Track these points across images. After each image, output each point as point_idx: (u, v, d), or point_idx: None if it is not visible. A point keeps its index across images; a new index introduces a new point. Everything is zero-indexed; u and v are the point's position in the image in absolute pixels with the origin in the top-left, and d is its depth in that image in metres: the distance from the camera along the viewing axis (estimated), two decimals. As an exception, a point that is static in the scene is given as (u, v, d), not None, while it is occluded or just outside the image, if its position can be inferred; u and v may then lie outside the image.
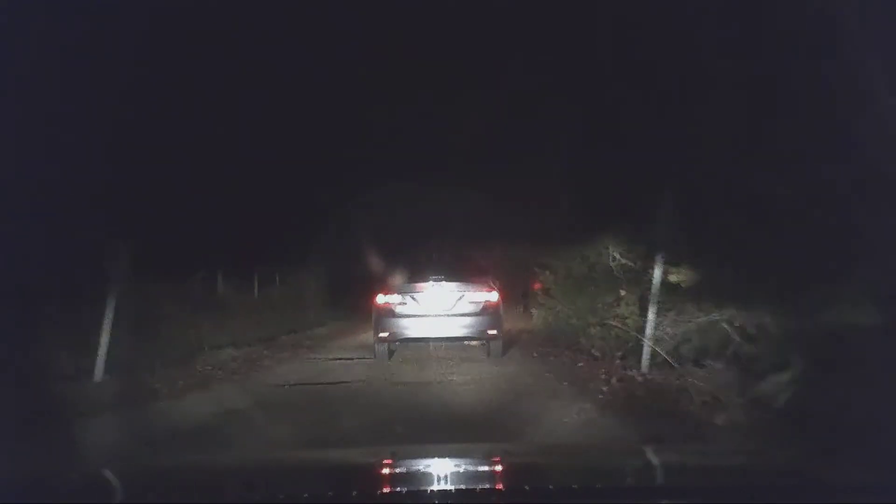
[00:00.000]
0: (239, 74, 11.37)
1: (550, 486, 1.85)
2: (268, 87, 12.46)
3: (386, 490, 1.96)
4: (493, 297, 8.73)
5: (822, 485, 1.88)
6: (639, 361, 7.01)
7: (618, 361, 7.51)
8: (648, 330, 6.84)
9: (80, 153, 7.82)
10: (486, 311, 8.62)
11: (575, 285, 9.68)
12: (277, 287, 15.71)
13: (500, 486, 1.96)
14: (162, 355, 7.76)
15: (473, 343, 9.27)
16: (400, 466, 2.23)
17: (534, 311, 13.08)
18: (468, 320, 8.55)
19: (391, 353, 8.99)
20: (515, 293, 15.78)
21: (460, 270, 8.98)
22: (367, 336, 11.38)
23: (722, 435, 4.60)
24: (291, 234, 14.47)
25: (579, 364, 7.98)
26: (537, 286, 15.52)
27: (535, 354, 9.36)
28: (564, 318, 9.95)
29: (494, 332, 8.64)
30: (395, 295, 8.69)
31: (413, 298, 8.65)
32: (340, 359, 9.26)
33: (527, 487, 1.84)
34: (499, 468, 2.27)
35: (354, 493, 1.80)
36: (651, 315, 6.84)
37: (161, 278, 8.95)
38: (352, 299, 16.09)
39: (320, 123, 14.24)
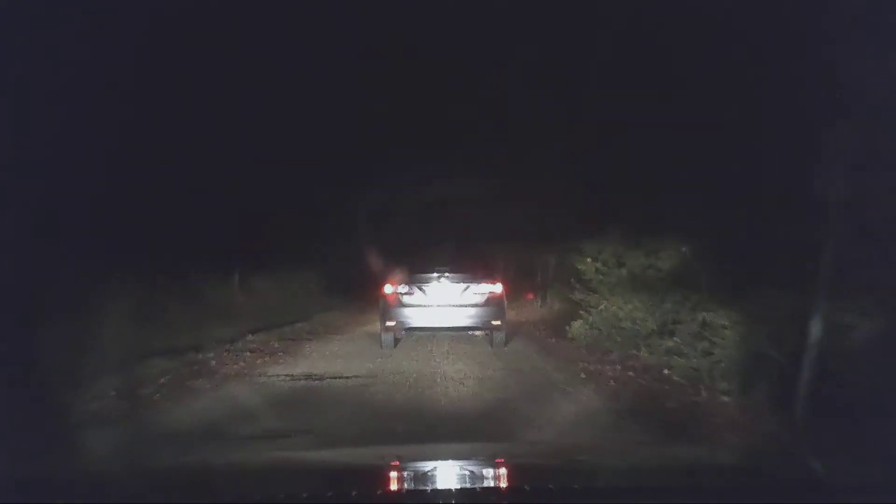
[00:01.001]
0: (239, 74, 11.36)
1: (551, 486, 1.86)
2: (268, 87, 12.46)
3: (386, 490, 1.97)
4: (498, 288, 8.97)
5: (822, 485, 1.88)
6: (779, 404, 4.74)
7: (724, 399, 5.35)
8: (811, 356, 4.60)
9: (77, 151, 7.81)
10: (491, 302, 8.86)
11: (630, 278, 8.16)
12: (263, 278, 14.54)
13: (500, 487, 1.97)
14: (64, 372, 5.70)
15: (477, 333, 9.35)
16: (400, 467, 2.23)
17: (556, 305, 12.33)
18: (473, 311, 8.78)
19: (396, 341, 9.13)
20: (528, 286, 15.58)
21: (466, 262, 9.18)
22: (353, 335, 10.93)
23: None
24: (286, 228, 14.31)
25: (667, 404, 5.53)
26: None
27: (582, 375, 6.93)
28: (613, 321, 8.24)
29: (498, 322, 8.85)
30: (402, 285, 8.88)
31: (419, 289, 8.86)
32: (309, 377, 6.86)
33: (527, 488, 1.85)
34: (500, 469, 2.27)
35: (354, 493, 1.80)
36: (815, 331, 4.61)
37: (112, 272, 8.09)
38: (348, 292, 16.03)
39: (320, 122, 14.25)
